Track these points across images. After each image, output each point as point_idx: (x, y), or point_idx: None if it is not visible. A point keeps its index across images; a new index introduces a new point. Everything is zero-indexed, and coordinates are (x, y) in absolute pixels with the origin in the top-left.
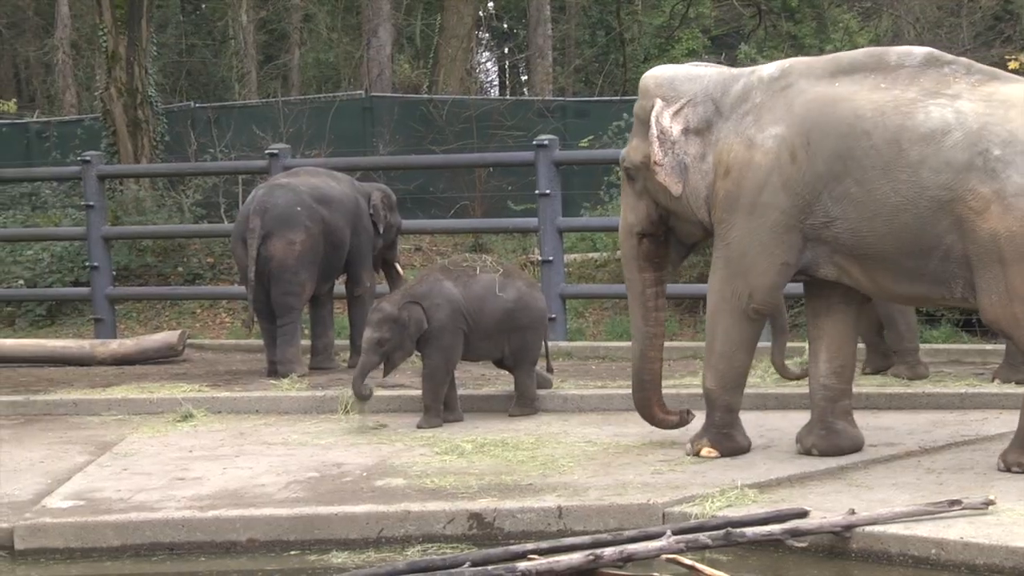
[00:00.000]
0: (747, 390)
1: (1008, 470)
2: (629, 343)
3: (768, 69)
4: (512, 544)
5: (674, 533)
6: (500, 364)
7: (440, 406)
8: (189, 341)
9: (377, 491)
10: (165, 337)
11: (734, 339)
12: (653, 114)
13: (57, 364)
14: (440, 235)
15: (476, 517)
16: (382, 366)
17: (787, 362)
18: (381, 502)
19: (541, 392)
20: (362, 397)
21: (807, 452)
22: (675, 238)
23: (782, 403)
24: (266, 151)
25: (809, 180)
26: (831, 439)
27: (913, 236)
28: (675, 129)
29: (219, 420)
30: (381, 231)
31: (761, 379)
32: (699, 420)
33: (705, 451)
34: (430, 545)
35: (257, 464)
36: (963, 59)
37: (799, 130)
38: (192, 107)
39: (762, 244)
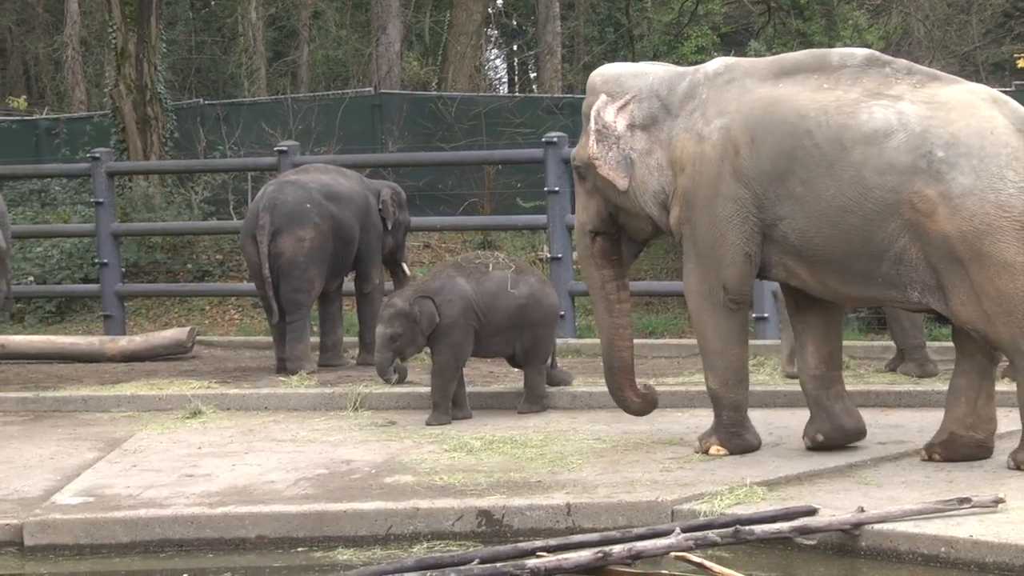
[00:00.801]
0: (755, 388)
1: (1018, 468)
2: (640, 340)
3: (712, 65)
4: (521, 541)
5: (683, 531)
6: (511, 361)
7: (449, 403)
8: (198, 338)
9: (386, 488)
10: (174, 334)
11: (723, 335)
12: (594, 109)
13: (67, 360)
14: (449, 232)
15: (485, 514)
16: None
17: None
18: (390, 499)
19: (550, 389)
20: (391, 381)
21: (813, 442)
22: (626, 235)
23: (791, 401)
24: (275, 148)
25: (755, 176)
26: (833, 421)
27: (861, 238)
28: (619, 124)
29: (228, 417)
30: (390, 227)
31: (769, 377)
32: (707, 419)
33: (714, 449)
34: (439, 542)
35: (266, 461)
36: (903, 60)
37: (743, 127)
38: (201, 104)
39: (723, 236)
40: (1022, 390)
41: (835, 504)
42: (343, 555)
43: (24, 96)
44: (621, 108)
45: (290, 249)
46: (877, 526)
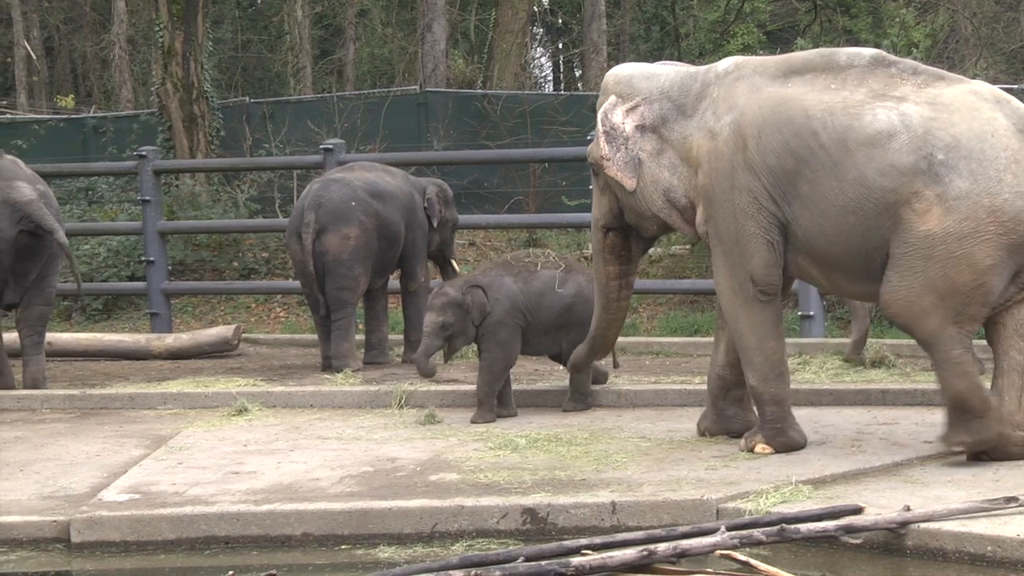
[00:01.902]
0: (801, 386)
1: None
2: (685, 339)
3: (723, 64)
4: (566, 539)
5: (728, 529)
6: (557, 359)
7: (494, 401)
8: (244, 335)
9: (431, 486)
10: (220, 331)
11: (757, 329)
12: (602, 110)
13: (113, 358)
14: (494, 231)
15: (529, 512)
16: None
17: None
18: (435, 497)
19: (595, 387)
20: (428, 373)
21: (702, 435)
22: (635, 232)
23: (837, 399)
24: (321, 146)
25: (763, 169)
26: (721, 423)
27: (860, 238)
28: (628, 125)
29: (274, 414)
30: (435, 225)
31: (816, 375)
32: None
33: (759, 448)
34: (483, 540)
35: (311, 458)
36: (909, 60)
37: (751, 122)
38: (247, 102)
39: (744, 227)
40: (941, 374)
41: (881, 503)
42: (385, 552)
43: (72, 94)
44: (631, 110)
45: (335, 247)
46: (923, 525)
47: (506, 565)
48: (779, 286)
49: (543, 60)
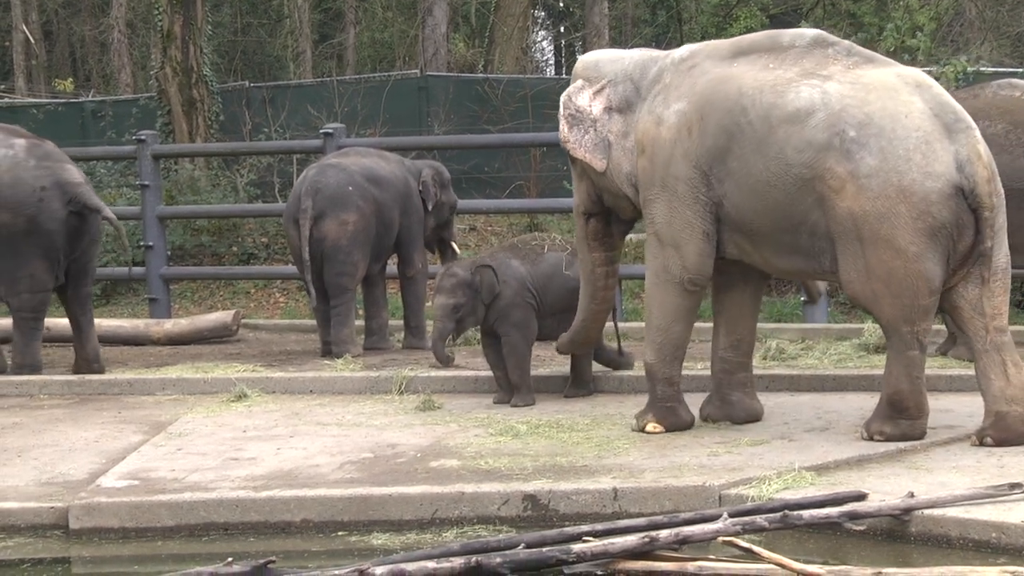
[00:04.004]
0: (803, 372)
1: (871, 438)
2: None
3: (679, 52)
4: (567, 526)
5: (731, 515)
6: None
7: (530, 381)
8: (243, 321)
9: (431, 472)
10: (219, 317)
11: (669, 312)
12: (565, 94)
13: (111, 344)
14: (495, 216)
15: (531, 498)
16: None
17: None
18: (435, 483)
19: (600, 374)
20: (445, 361)
21: (704, 420)
22: (615, 215)
23: (840, 385)
24: (321, 131)
25: (702, 154)
26: (725, 409)
27: (784, 212)
28: (596, 108)
29: (273, 400)
30: (431, 208)
31: (819, 360)
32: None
33: (651, 427)
34: (484, 527)
35: (311, 445)
36: (847, 42)
37: (696, 106)
38: (247, 87)
39: (680, 216)
40: (891, 367)
41: (885, 489)
42: (380, 539)
43: (70, 78)
44: (598, 92)
45: (334, 233)
46: (927, 511)
47: (507, 552)
48: (709, 277)
49: (545, 44)
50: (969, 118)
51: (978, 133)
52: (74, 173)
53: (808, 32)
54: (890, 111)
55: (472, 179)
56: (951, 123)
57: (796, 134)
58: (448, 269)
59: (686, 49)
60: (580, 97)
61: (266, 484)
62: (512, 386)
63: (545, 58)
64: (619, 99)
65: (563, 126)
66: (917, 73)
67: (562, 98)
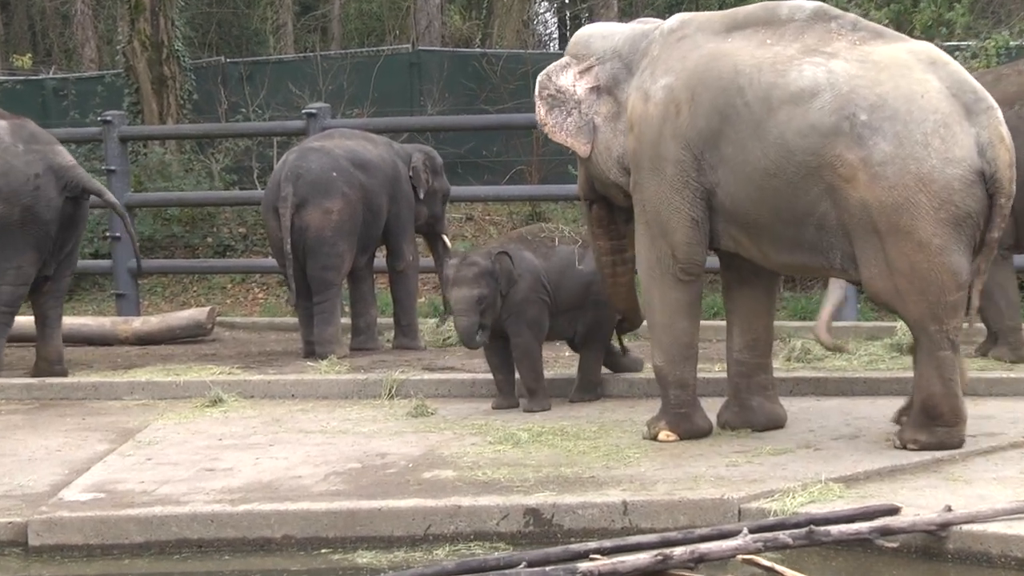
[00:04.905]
0: (832, 374)
1: (904, 447)
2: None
3: (669, 22)
4: (572, 542)
5: (751, 531)
6: (571, 343)
7: (544, 384)
8: (219, 319)
9: (424, 484)
10: (193, 314)
11: (670, 307)
12: (543, 73)
13: (75, 343)
14: (493, 203)
15: (533, 513)
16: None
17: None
18: (428, 496)
19: (607, 374)
20: (476, 345)
21: (722, 427)
22: (614, 202)
23: (871, 389)
24: (303, 111)
25: (693, 136)
26: (744, 415)
27: (786, 203)
28: (580, 88)
29: (251, 405)
30: (422, 196)
31: (848, 362)
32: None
33: (664, 434)
34: (482, 543)
35: (293, 454)
36: (851, 15)
37: (686, 83)
38: (223, 62)
39: (668, 200)
40: (921, 369)
41: (919, 503)
42: (365, 558)
43: (29, 54)
44: (584, 71)
45: (317, 222)
46: (966, 527)
47: (507, 571)
48: (702, 265)
49: (548, 16)
50: (990, 97)
51: (999, 113)
52: (65, 155)
53: (807, 5)
54: (904, 91)
55: (468, 164)
56: (970, 103)
57: (799, 117)
58: (465, 258)
59: (676, 19)
60: (562, 77)
61: (243, 497)
62: (527, 390)
63: (548, 31)
64: (607, 78)
65: (540, 108)
66: (930, 48)
67: (539, 78)
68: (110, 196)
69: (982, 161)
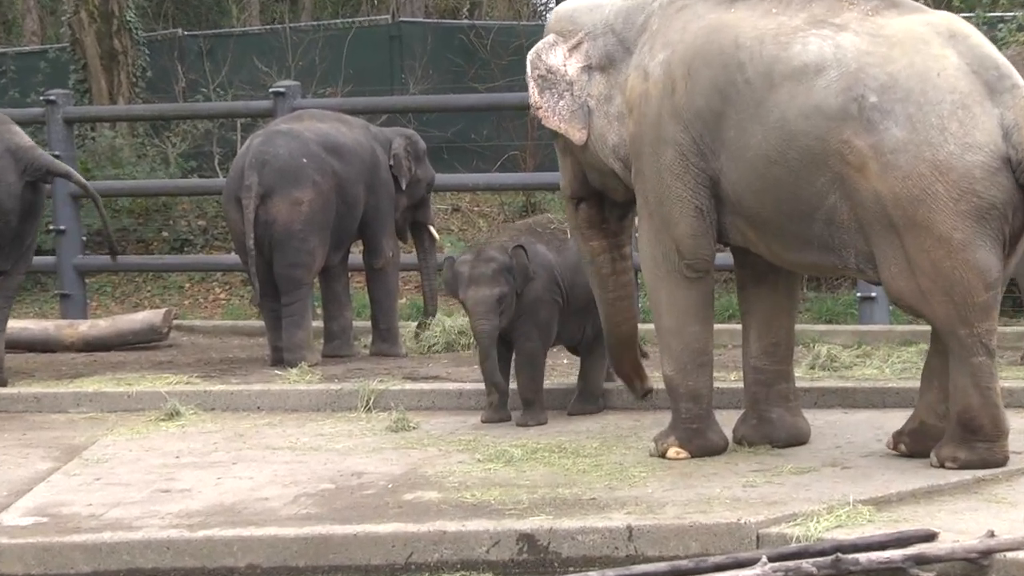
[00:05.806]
0: (862, 384)
1: (941, 465)
2: (719, 325)
3: None
4: (571, 571)
5: (770, 560)
6: (575, 349)
7: (543, 396)
8: (176, 322)
9: (405, 507)
10: (146, 317)
11: (679, 308)
12: (533, 50)
13: (15, 349)
14: (483, 192)
15: (527, 539)
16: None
17: None
18: (410, 520)
19: (608, 385)
20: (503, 389)
21: (738, 443)
22: (608, 198)
23: (904, 400)
24: (270, 89)
25: (691, 116)
26: (763, 430)
27: (788, 195)
28: (571, 67)
29: (212, 419)
30: (404, 186)
31: (879, 370)
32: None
33: (673, 451)
34: (470, 573)
35: (259, 473)
36: None
37: (682, 57)
38: (180, 35)
39: (669, 188)
40: (955, 379)
41: (959, 527)
42: None
43: None
44: (573, 48)
45: (284, 215)
46: (1011, 554)
47: None
48: (711, 261)
49: None
50: (1016, 74)
51: None
52: (21, 135)
53: None
54: (919, 70)
55: (455, 148)
56: (993, 81)
57: (801, 95)
58: (481, 253)
59: None
60: (551, 55)
61: (203, 522)
62: (523, 401)
63: (544, 1)
64: (599, 55)
65: (532, 90)
66: (951, 20)
67: (529, 56)
68: (79, 177)
69: (1007, 146)
